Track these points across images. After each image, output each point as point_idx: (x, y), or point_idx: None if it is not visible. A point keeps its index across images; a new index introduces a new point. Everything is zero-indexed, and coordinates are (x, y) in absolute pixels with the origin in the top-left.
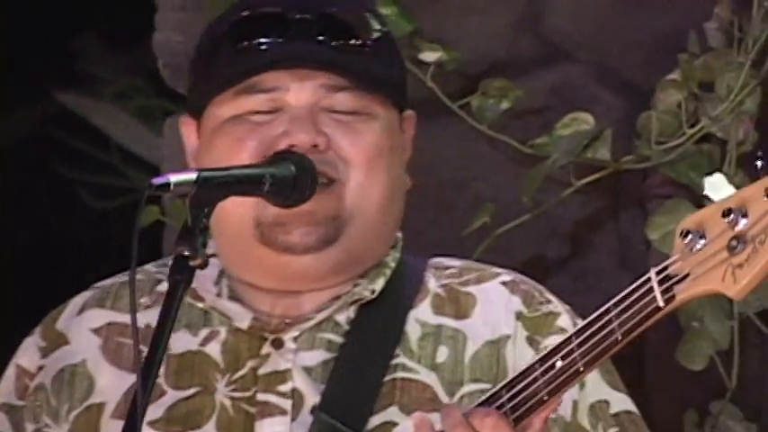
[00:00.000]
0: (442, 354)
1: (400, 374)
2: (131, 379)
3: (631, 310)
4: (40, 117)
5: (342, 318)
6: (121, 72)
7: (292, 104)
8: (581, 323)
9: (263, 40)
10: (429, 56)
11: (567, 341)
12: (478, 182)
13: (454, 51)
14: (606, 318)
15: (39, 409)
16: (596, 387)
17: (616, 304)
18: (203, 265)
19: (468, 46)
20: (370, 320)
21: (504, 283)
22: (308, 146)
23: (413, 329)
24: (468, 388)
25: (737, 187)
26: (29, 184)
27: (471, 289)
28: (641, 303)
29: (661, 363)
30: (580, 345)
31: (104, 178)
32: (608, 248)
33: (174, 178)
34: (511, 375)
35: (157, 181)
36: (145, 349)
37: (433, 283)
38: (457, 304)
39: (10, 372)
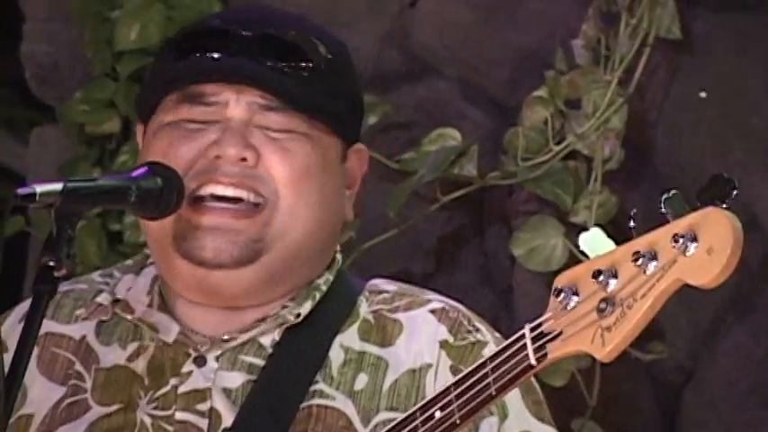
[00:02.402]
0: (361, 381)
1: (317, 401)
2: (61, 391)
3: (506, 366)
4: None
5: (267, 340)
6: None
7: (228, 118)
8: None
9: (208, 52)
10: None
11: (446, 392)
12: None
13: None
14: (482, 371)
15: None
16: (520, 418)
17: (492, 359)
18: (68, 276)
19: None
20: (295, 344)
21: (432, 311)
22: (235, 159)
23: (336, 355)
24: (384, 416)
25: (601, 205)
26: None
27: (399, 316)
28: (515, 360)
29: None
30: (458, 397)
31: None
32: (473, 264)
33: (39, 189)
34: (394, 423)
35: (23, 191)
36: (76, 362)
37: (364, 308)
38: (383, 332)
39: None
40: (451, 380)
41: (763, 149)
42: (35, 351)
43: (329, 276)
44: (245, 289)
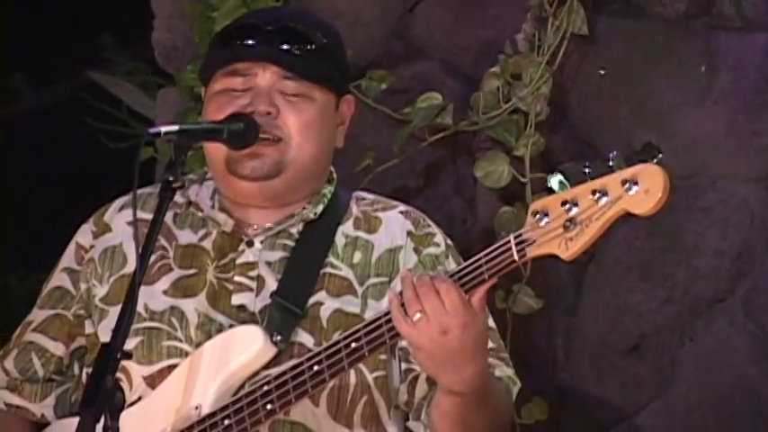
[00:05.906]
0: (357, 256)
1: (329, 270)
2: (152, 258)
3: (496, 261)
4: (75, 88)
5: (294, 230)
6: (130, 58)
7: (258, 85)
8: (459, 260)
9: (244, 41)
10: None
11: (452, 276)
12: (365, 137)
13: (350, 50)
14: (478, 263)
15: (89, 275)
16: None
17: (486, 255)
18: (182, 187)
19: (359, 46)
20: (313, 233)
21: (401, 212)
22: (263, 113)
23: (339, 240)
24: (373, 280)
25: (533, 144)
26: (67, 132)
27: (379, 214)
28: (503, 257)
29: None
30: (459, 279)
31: (117, 128)
32: (449, 182)
33: (164, 129)
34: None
35: (152, 130)
36: (162, 239)
37: (355, 209)
38: (369, 224)
39: (71, 246)
40: (415, 257)
41: (643, 110)
42: (131, 231)
43: (331, 188)
44: (274, 194)
